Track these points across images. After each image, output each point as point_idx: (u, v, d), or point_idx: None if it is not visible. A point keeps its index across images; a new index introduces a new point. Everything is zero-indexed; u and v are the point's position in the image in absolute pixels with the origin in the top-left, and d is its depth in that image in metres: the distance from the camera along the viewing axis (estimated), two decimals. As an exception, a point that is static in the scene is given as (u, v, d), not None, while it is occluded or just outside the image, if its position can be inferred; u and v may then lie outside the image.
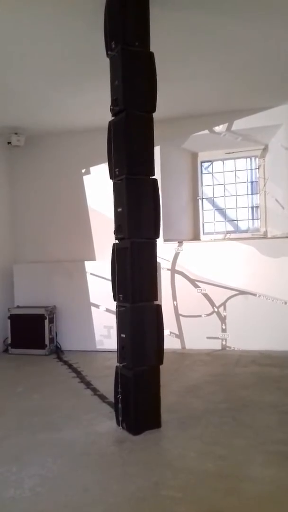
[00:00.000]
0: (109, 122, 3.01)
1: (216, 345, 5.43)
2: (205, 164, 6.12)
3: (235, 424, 3.10)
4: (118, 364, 3.04)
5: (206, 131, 5.60)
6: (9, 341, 5.66)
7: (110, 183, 3.07)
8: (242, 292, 5.38)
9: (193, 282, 5.55)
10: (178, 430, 3.01)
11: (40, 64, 3.95)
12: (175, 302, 5.60)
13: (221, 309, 5.44)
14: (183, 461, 2.57)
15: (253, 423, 3.09)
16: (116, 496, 2.23)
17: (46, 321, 5.50)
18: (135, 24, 2.86)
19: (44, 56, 3.80)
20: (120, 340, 3.02)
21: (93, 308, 5.61)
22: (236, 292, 5.40)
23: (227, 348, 5.40)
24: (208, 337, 5.45)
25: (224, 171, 6.02)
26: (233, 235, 5.93)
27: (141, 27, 2.89)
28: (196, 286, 5.53)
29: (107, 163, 3.03)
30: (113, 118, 2.99)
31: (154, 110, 2.95)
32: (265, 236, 5.69)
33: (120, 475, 2.44)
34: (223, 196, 6.04)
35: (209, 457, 2.60)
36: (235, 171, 5.96)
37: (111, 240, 3.11)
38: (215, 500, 2.17)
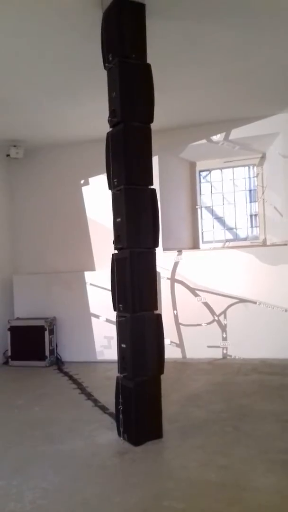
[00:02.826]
0: (107, 133, 3.03)
1: (217, 354, 5.41)
2: (203, 173, 6.15)
3: (237, 433, 3.08)
4: (118, 375, 3.04)
5: (204, 141, 5.64)
6: (9, 353, 5.64)
7: (109, 193, 3.08)
8: (242, 300, 5.37)
9: (193, 291, 5.55)
10: (180, 440, 2.99)
11: (38, 76, 3.98)
12: (175, 311, 5.60)
13: (221, 317, 5.44)
14: (185, 471, 2.55)
15: (255, 432, 3.07)
16: (118, 508, 2.22)
17: (46, 333, 5.48)
18: (132, 36, 2.89)
19: (42, 68, 3.83)
20: (120, 350, 3.01)
21: (93, 319, 5.60)
22: (236, 300, 5.39)
23: (228, 357, 5.38)
24: (208, 346, 5.43)
25: (222, 180, 6.05)
26: (232, 243, 5.93)
27: (138, 39, 2.92)
28: (196, 295, 5.53)
29: (106, 173, 3.05)
30: (111, 129, 3.01)
31: (151, 121, 2.98)
32: (264, 244, 5.70)
33: (121, 487, 2.43)
34: (221, 205, 6.06)
35: (211, 467, 2.58)
36: (233, 179, 5.99)
37: (111, 250, 3.11)
38: (218, 510, 2.16)
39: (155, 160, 3.18)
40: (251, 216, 5.94)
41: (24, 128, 5.39)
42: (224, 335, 5.41)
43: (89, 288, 5.64)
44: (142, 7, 2.92)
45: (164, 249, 5.52)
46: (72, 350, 5.66)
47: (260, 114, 5.31)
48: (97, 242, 5.98)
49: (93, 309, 5.61)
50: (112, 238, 3.06)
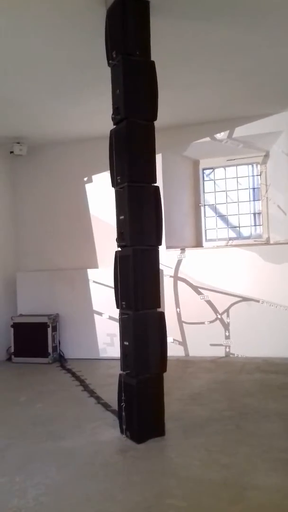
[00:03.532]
0: (111, 130, 3.03)
1: (219, 352, 5.41)
2: (207, 171, 6.14)
3: (240, 432, 3.08)
4: (121, 372, 3.04)
5: (208, 139, 5.63)
6: (12, 349, 5.65)
7: (112, 191, 3.08)
8: (245, 299, 5.37)
9: (196, 289, 5.54)
10: (182, 438, 2.99)
11: (41, 74, 3.98)
12: (178, 309, 5.60)
13: (224, 316, 5.43)
14: (187, 469, 2.56)
15: (257, 431, 3.07)
16: (120, 505, 2.22)
17: (49, 329, 5.50)
18: (136, 33, 2.88)
19: (46, 66, 3.83)
20: (123, 348, 3.01)
21: (96, 316, 5.61)
22: (239, 299, 5.39)
23: (231, 355, 5.37)
24: (211, 344, 5.43)
25: (225, 178, 6.04)
26: (235, 242, 5.93)
27: (142, 37, 2.91)
28: (199, 293, 5.53)
29: (109, 171, 3.05)
30: (114, 126, 3.01)
31: (155, 119, 2.97)
32: (267, 242, 5.69)
33: (124, 484, 2.43)
34: (225, 203, 6.05)
35: (214, 466, 2.58)
36: (237, 177, 5.97)
37: (114, 247, 3.11)
38: (220, 509, 2.16)
39: (158, 158, 3.18)
40: (254, 214, 5.92)
41: (28, 125, 5.39)
42: (227, 334, 5.41)
43: (92, 286, 5.65)
44: (146, 4, 2.92)
45: (167, 247, 5.52)
46: (75, 347, 5.67)
47: (264, 112, 5.30)
48: (100, 240, 5.99)
49: (96, 306, 5.61)
50: (115, 235, 3.06)
